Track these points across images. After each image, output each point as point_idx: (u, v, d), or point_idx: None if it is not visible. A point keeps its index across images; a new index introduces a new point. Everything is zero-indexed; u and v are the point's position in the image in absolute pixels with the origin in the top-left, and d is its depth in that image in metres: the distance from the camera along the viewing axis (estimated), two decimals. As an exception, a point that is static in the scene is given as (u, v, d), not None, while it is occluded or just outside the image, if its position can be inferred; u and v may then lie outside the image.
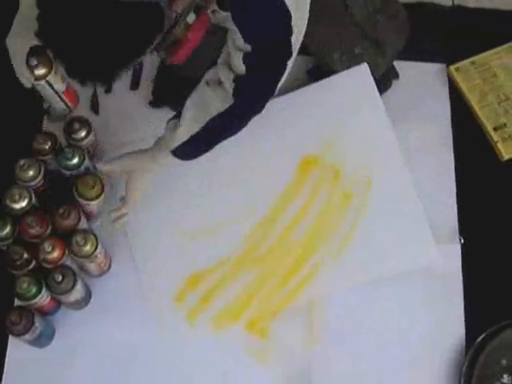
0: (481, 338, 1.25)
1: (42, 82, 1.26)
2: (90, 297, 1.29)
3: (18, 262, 1.21)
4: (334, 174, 1.36)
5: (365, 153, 1.37)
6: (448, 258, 1.30)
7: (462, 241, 1.32)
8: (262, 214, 1.33)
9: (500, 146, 1.38)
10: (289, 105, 1.38)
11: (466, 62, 1.44)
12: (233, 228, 1.32)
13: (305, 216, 1.34)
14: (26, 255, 1.21)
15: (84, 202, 1.26)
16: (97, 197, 1.25)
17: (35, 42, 0.86)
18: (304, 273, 1.30)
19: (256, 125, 1.34)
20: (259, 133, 1.35)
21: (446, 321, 1.27)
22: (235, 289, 1.29)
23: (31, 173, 1.25)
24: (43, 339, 1.24)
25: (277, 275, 1.30)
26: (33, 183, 1.26)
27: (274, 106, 1.35)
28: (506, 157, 1.38)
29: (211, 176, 1.36)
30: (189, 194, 1.35)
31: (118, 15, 0.81)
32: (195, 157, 1.18)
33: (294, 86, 1.39)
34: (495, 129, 1.40)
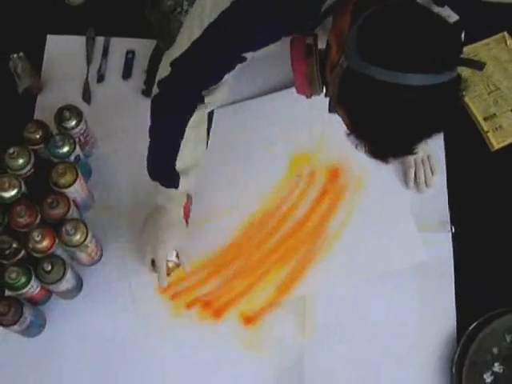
0: (472, 326, 1.17)
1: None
2: (81, 286, 1.20)
3: (7, 252, 1.11)
4: (326, 172, 1.28)
5: (357, 153, 1.27)
6: (439, 247, 1.23)
7: (453, 230, 1.24)
8: (252, 210, 1.25)
9: (490, 135, 1.30)
10: (283, 101, 1.30)
11: None
12: (224, 222, 1.24)
13: (296, 213, 1.26)
14: (15, 245, 1.11)
15: (57, 190, 1.15)
16: (70, 185, 1.15)
17: None
18: (294, 268, 1.21)
19: (249, 121, 1.30)
20: (252, 129, 1.28)
21: (437, 310, 1.20)
22: (225, 281, 1.21)
23: (21, 161, 1.15)
24: (33, 329, 1.15)
25: (268, 269, 1.21)
26: (22, 172, 1.15)
27: (268, 102, 1.30)
28: (497, 146, 1.30)
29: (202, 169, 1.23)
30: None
31: None
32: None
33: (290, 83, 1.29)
34: (485, 119, 1.32)
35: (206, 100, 1.02)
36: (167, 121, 1.06)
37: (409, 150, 0.82)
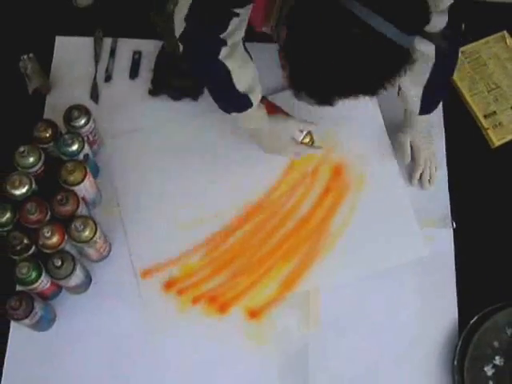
0: (473, 320, 1.18)
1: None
2: (90, 281, 1.21)
3: (18, 248, 1.12)
4: (329, 170, 1.29)
5: (359, 149, 1.30)
6: (440, 243, 1.23)
7: (454, 225, 1.25)
8: (255, 208, 1.25)
9: (490, 132, 1.31)
10: (286, 100, 1.27)
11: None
12: (227, 220, 1.24)
13: (299, 210, 1.26)
14: (25, 241, 1.12)
15: (67, 187, 1.16)
16: (79, 182, 1.16)
17: None
18: (298, 264, 1.22)
19: None
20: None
21: (439, 304, 1.20)
22: (230, 277, 1.21)
23: (31, 159, 1.16)
24: (44, 323, 1.16)
25: (271, 265, 1.22)
26: (33, 170, 1.16)
27: (271, 100, 1.30)
28: (497, 143, 1.31)
29: (208, 165, 1.27)
30: (184, 184, 1.26)
31: None
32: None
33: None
34: (485, 116, 1.32)
35: (229, 42, 1.03)
36: (203, 64, 1.06)
37: (332, 98, 0.80)
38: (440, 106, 1.31)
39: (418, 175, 1.27)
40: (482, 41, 1.37)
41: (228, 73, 1.06)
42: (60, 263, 1.12)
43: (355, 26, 0.72)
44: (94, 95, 1.31)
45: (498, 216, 1.26)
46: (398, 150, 1.28)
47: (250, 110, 1.11)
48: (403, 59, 0.77)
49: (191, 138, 1.30)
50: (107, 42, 1.35)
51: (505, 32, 1.39)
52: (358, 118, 1.31)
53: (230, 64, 1.06)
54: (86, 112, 1.21)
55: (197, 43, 1.04)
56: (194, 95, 1.30)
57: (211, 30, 1.02)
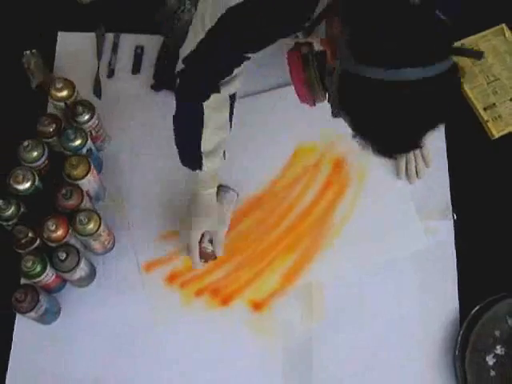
0: (475, 310, 1.17)
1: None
2: (95, 274, 1.20)
3: (23, 241, 1.10)
4: (330, 163, 1.27)
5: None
6: (441, 234, 1.22)
7: (455, 217, 1.24)
8: (257, 200, 1.24)
9: (490, 125, 1.29)
10: (287, 94, 1.24)
11: (455, 44, 1.31)
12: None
13: (301, 203, 1.25)
14: (30, 234, 1.11)
15: (71, 181, 1.15)
16: (82, 176, 1.15)
17: None
18: (300, 257, 1.21)
19: (253, 113, 1.28)
20: (256, 121, 1.27)
21: (440, 295, 1.19)
22: (233, 270, 1.20)
23: (35, 154, 1.15)
24: (49, 316, 1.15)
25: (274, 258, 1.21)
26: (37, 164, 1.15)
27: (272, 95, 1.29)
28: (497, 135, 1.29)
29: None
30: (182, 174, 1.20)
31: None
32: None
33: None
34: (485, 109, 1.31)
35: (222, 90, 1.03)
36: (187, 106, 1.06)
37: (414, 145, 0.81)
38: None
39: (401, 168, 1.25)
40: (481, 34, 1.35)
41: (201, 124, 1.05)
42: (65, 256, 1.11)
43: (403, 88, 0.74)
44: (97, 91, 1.30)
45: (498, 207, 1.24)
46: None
47: (198, 173, 1.10)
48: (450, 77, 0.78)
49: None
50: (109, 37, 1.34)
51: (503, 25, 1.37)
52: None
53: (209, 116, 1.05)
54: (91, 108, 1.20)
55: (191, 85, 1.03)
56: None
57: (208, 77, 1.02)
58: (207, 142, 1.08)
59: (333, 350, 1.16)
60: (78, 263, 1.12)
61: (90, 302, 1.18)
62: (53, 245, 1.12)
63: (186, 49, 1.00)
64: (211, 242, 1.17)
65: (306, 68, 0.94)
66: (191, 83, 1.03)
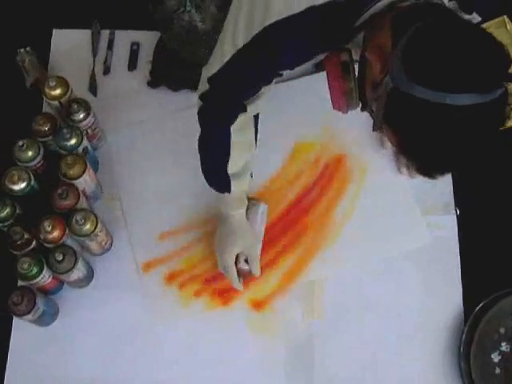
0: (479, 307, 1.14)
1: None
2: (93, 275, 1.17)
3: (19, 243, 1.08)
4: (331, 160, 1.24)
5: (360, 139, 1.25)
6: (444, 230, 1.19)
7: (458, 212, 1.21)
8: (257, 198, 1.19)
9: (493, 118, 1.27)
10: (289, 90, 1.26)
11: None
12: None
13: (302, 200, 1.21)
14: (26, 235, 1.09)
15: (67, 181, 1.12)
16: (79, 176, 1.12)
17: None
18: (302, 255, 1.18)
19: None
20: (261, 115, 1.19)
21: (444, 291, 1.16)
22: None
23: (30, 153, 1.12)
24: (46, 318, 1.12)
25: (275, 256, 1.18)
26: (32, 164, 1.13)
27: (273, 91, 1.24)
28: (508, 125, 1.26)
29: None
30: (185, 176, 1.21)
31: None
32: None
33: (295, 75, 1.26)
34: (487, 102, 1.29)
35: (249, 109, 0.99)
36: (213, 130, 1.02)
37: (457, 167, 0.80)
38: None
39: (402, 162, 1.21)
40: (482, 26, 1.32)
41: (227, 151, 1.02)
42: (61, 257, 1.08)
43: (455, 112, 0.72)
44: (93, 88, 1.27)
45: (501, 202, 1.21)
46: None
47: (226, 195, 1.08)
48: (502, 105, 0.76)
49: (190, 128, 1.22)
50: (105, 34, 1.31)
51: (505, 17, 1.33)
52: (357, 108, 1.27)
53: (235, 139, 1.01)
54: (86, 106, 1.17)
55: (217, 106, 0.99)
56: (194, 86, 1.24)
57: (235, 97, 0.98)
58: (234, 165, 1.05)
59: (335, 349, 1.14)
60: (75, 264, 1.09)
61: (88, 303, 1.16)
62: (49, 246, 1.10)
63: (212, 68, 0.96)
64: (247, 261, 1.14)
65: (345, 76, 0.90)
66: (218, 104, 0.99)
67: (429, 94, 0.72)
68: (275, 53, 0.88)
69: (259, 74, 0.94)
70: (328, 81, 0.90)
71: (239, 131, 1.01)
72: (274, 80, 0.96)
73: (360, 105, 0.91)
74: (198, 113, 1.01)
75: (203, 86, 0.98)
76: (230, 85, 0.95)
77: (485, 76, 0.73)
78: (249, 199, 1.14)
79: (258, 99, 0.99)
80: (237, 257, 1.12)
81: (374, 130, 0.84)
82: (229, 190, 1.06)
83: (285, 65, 0.93)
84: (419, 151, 0.77)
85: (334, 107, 0.93)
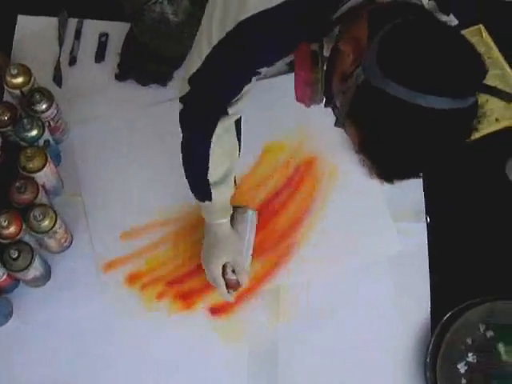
0: (446, 317, 1.11)
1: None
2: (50, 274, 1.12)
3: (-28, 238, 1.04)
4: (300, 162, 1.20)
5: (330, 142, 1.21)
6: (414, 237, 1.16)
7: (428, 219, 1.18)
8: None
9: (466, 126, 1.26)
10: (259, 90, 1.14)
11: None
12: (195, 211, 1.13)
13: (269, 203, 1.17)
14: (-20, 230, 1.04)
15: (26, 174, 1.07)
16: (38, 169, 1.07)
17: None
18: (268, 260, 1.14)
19: None
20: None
21: (412, 300, 1.14)
22: (196, 272, 1.12)
23: (-13, 144, 1.08)
24: (-1, 318, 1.08)
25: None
26: (-11, 155, 1.08)
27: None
28: (472, 137, 1.24)
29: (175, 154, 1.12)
30: (150, 173, 1.17)
31: None
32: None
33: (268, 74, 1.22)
34: (461, 110, 1.28)
35: (230, 111, 0.95)
36: (193, 135, 0.98)
37: (417, 173, 0.76)
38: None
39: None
40: (466, 30, 1.27)
41: (207, 157, 0.98)
42: (17, 255, 1.02)
43: (427, 114, 0.69)
44: (57, 78, 1.22)
45: (472, 211, 1.19)
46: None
47: (208, 203, 1.04)
48: (472, 114, 0.74)
49: (158, 124, 1.20)
50: (72, 22, 1.26)
51: (481, 26, 1.32)
52: (328, 110, 1.24)
53: (217, 144, 0.97)
54: (49, 96, 1.12)
55: (199, 107, 0.94)
56: (163, 81, 1.21)
57: (216, 98, 0.94)
58: (215, 173, 1.01)
59: (299, 355, 1.11)
60: (31, 262, 1.03)
61: (44, 302, 1.10)
62: (4, 242, 1.03)
63: (191, 68, 0.91)
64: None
65: (313, 66, 0.85)
66: (198, 106, 0.94)
67: (400, 92, 0.69)
68: (251, 49, 0.84)
69: (236, 72, 0.89)
70: (296, 70, 0.86)
71: (220, 138, 0.98)
72: (254, 79, 0.92)
73: (324, 100, 0.87)
74: (180, 116, 0.97)
75: (184, 87, 0.94)
76: (209, 85, 0.91)
77: (460, 82, 0.71)
78: (236, 207, 1.10)
79: (239, 101, 0.95)
80: (224, 267, 1.08)
81: (336, 125, 0.80)
82: (210, 199, 1.02)
83: (262, 61, 0.89)
84: (381, 150, 0.73)
85: (296, 98, 0.89)
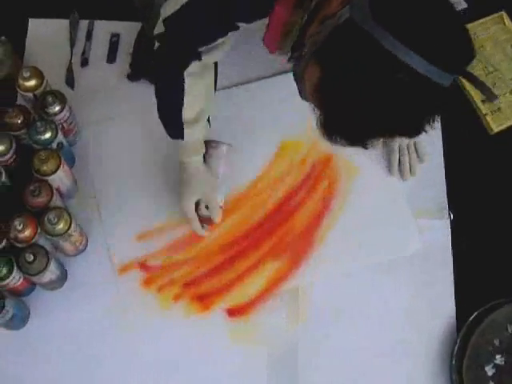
0: (472, 317, 1.07)
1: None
2: (66, 277, 1.10)
3: (-13, 242, 1.03)
4: (318, 160, 1.17)
5: None
6: (437, 234, 1.13)
7: (452, 216, 1.14)
8: (239, 199, 1.15)
9: (489, 118, 1.20)
10: (274, 87, 1.20)
11: None
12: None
13: (287, 202, 1.15)
14: (-5, 234, 1.03)
15: (40, 177, 1.05)
16: (52, 172, 1.06)
17: None
18: (287, 259, 1.11)
19: (238, 106, 1.19)
20: (241, 115, 1.18)
21: (435, 300, 1.10)
22: (214, 273, 1.11)
23: (1, 148, 1.05)
24: (16, 321, 1.06)
25: (258, 260, 1.11)
26: (3, 159, 1.06)
27: (258, 87, 1.19)
28: (496, 130, 1.20)
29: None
30: (165, 174, 1.16)
31: None
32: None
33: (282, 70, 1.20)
34: (483, 101, 1.21)
35: (204, 58, 0.95)
36: (167, 73, 0.99)
37: (362, 140, 0.72)
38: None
39: (394, 163, 1.16)
40: (479, 21, 1.26)
41: (182, 92, 0.98)
42: (32, 258, 1.01)
43: (401, 71, 0.66)
44: (70, 80, 1.20)
45: (497, 206, 1.15)
46: None
47: (181, 141, 1.04)
48: (445, 98, 0.71)
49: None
50: (83, 24, 1.24)
51: (503, 12, 1.27)
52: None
53: (190, 84, 0.98)
54: (62, 99, 1.11)
55: (171, 48, 0.95)
56: (175, 79, 1.21)
57: (189, 42, 0.93)
58: (188, 111, 1.02)
59: (320, 357, 1.08)
60: (46, 265, 1.03)
61: (61, 305, 1.09)
62: (20, 245, 1.03)
63: (168, 9, 0.92)
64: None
65: (296, 9, 0.81)
66: (171, 48, 0.95)
67: (389, 42, 0.66)
68: (229, 2, 0.82)
69: (212, 22, 0.88)
70: (275, 6, 0.83)
71: (194, 77, 0.98)
72: (230, 34, 0.91)
73: (289, 55, 0.83)
74: (154, 53, 0.98)
75: (159, 26, 0.94)
76: (183, 29, 0.91)
77: (453, 58, 0.68)
78: (209, 142, 1.09)
79: (215, 50, 0.94)
80: (198, 203, 1.10)
81: (295, 70, 0.76)
82: (182, 137, 1.03)
83: (239, 13, 0.86)
84: (337, 95, 0.69)
85: (264, 39, 0.87)
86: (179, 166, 1.08)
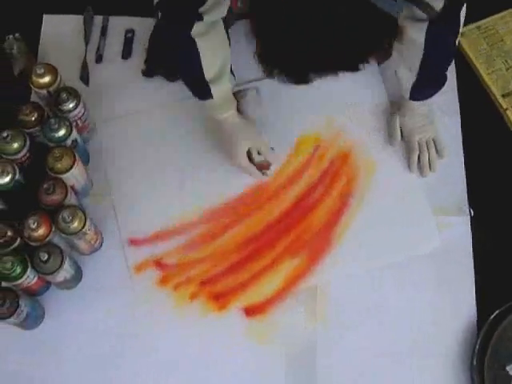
0: (493, 315, 1.05)
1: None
2: (81, 276, 1.09)
3: (1, 240, 1.00)
4: (336, 155, 1.16)
5: (367, 134, 1.17)
6: (457, 231, 1.11)
7: (472, 213, 1.12)
8: (257, 192, 1.13)
9: (509, 113, 1.17)
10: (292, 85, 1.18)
11: (471, 26, 1.23)
12: (227, 207, 1.12)
13: (305, 198, 1.13)
14: (9, 233, 1.00)
15: (54, 175, 1.04)
16: (67, 170, 1.04)
17: None
18: (305, 257, 1.09)
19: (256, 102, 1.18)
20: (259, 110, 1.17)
21: (456, 298, 1.08)
22: (230, 271, 1.09)
23: (15, 145, 1.04)
24: (31, 321, 1.04)
25: (276, 258, 1.09)
26: (17, 156, 1.04)
27: (276, 83, 1.17)
28: (516, 125, 1.19)
29: (207, 149, 1.15)
30: (181, 170, 1.14)
31: None
32: None
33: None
34: (504, 96, 1.18)
35: (206, 18, 0.95)
36: (175, 39, 0.99)
37: (319, 68, 0.73)
38: (455, 85, 1.18)
39: (414, 160, 1.14)
40: (499, 15, 1.23)
41: (197, 54, 0.98)
42: (47, 257, 1.00)
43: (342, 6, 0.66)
44: (84, 77, 1.19)
45: (519, 203, 1.14)
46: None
47: (211, 101, 1.04)
48: (388, 30, 0.70)
49: (188, 120, 1.17)
50: (98, 20, 1.23)
51: (516, 9, 1.27)
52: (364, 103, 1.18)
53: (202, 44, 0.98)
54: (76, 95, 1.09)
55: (171, 13, 0.95)
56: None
57: (188, 2, 0.93)
58: (209, 70, 1.02)
59: (339, 357, 1.05)
60: (61, 264, 1.01)
61: (76, 305, 1.08)
62: (34, 244, 1.01)
63: None
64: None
65: None
66: (171, 12, 0.95)
67: None
68: None
69: None
70: None
71: (204, 37, 0.98)
72: None
73: None
74: (157, 24, 1.00)
75: None
76: None
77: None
78: (236, 93, 1.10)
79: (215, 8, 0.95)
80: (249, 153, 1.11)
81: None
82: (211, 96, 1.03)
83: None
84: (276, 20, 0.70)
85: None
86: (217, 126, 1.08)
